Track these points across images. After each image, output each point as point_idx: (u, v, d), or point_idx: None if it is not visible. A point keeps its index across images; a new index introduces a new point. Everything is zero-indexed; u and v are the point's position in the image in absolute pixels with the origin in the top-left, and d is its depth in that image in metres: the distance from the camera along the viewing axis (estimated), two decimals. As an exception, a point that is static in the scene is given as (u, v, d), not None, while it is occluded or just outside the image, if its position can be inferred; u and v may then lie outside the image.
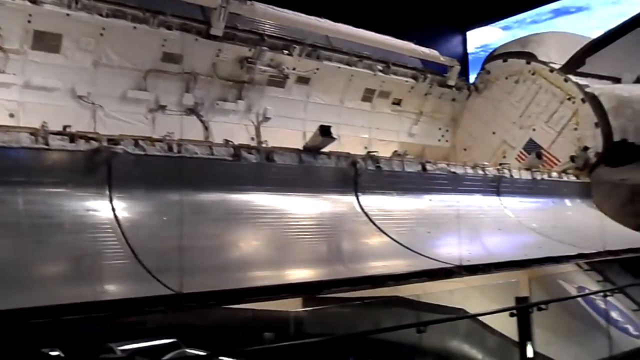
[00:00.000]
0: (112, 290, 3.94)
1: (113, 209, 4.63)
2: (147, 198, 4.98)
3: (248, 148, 5.83)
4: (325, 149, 6.32)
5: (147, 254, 4.32)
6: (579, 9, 17.85)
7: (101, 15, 7.24)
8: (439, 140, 11.28)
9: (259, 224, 5.46)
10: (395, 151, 7.37)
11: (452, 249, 5.71)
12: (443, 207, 6.88)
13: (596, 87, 9.57)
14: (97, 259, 4.17)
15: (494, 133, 10.68)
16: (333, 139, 6.02)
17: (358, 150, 7.47)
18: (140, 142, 5.06)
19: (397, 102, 10.48)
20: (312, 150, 6.15)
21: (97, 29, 7.26)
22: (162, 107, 8.08)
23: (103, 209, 4.60)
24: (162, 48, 7.87)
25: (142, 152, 5.01)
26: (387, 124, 10.40)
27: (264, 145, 6.00)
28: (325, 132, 5.98)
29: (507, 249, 6.69)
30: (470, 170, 7.60)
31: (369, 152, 6.73)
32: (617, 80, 10.15)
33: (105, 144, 4.79)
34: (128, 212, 4.75)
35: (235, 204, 5.51)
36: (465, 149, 11.09)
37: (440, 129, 11.28)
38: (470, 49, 22.36)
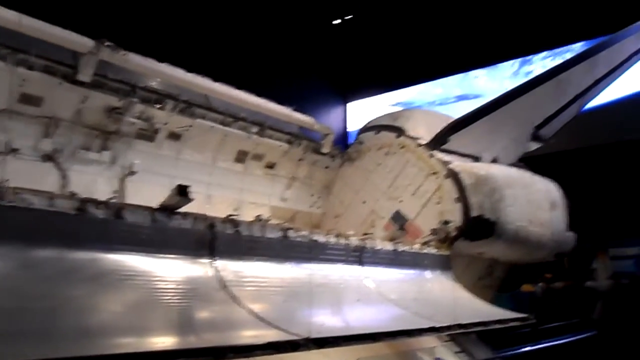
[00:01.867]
0: None
1: None
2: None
3: (96, 202, 5.42)
4: (186, 209, 6.04)
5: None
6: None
7: None
8: (311, 206, 11.32)
9: (97, 286, 5.01)
10: (258, 216, 7.22)
11: (306, 320, 5.56)
12: (303, 276, 6.73)
13: (458, 164, 10.11)
14: None
15: (364, 202, 10.90)
16: (189, 199, 5.75)
17: (228, 212, 7.24)
18: (-39, 188, 4.53)
19: (271, 166, 10.44)
20: (167, 209, 5.84)
21: None
22: (14, 151, 7.44)
23: None
24: (20, 88, 7.33)
25: (-39, 199, 4.48)
26: (259, 187, 10.29)
27: (114, 200, 5.63)
28: (182, 191, 5.70)
29: (364, 321, 6.63)
30: (333, 239, 7.56)
31: (228, 215, 6.51)
32: (476, 159, 10.82)
33: None
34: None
35: (73, 262, 5.04)
36: (336, 217, 11.20)
37: (312, 195, 11.34)
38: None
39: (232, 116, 9.54)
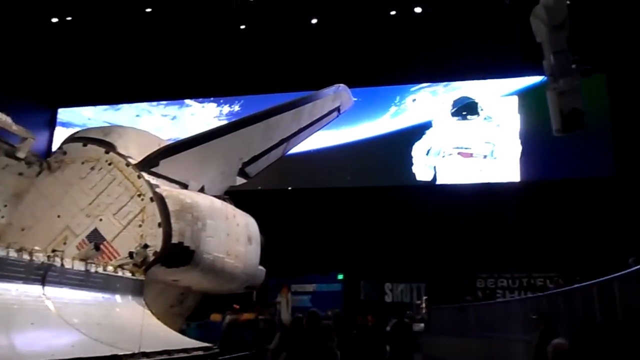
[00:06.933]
0: None
1: None
2: None
3: None
4: None
5: None
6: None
7: None
8: (-6, 214, 9.93)
9: None
10: None
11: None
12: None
13: (165, 188, 10.04)
14: None
15: (59, 216, 9.96)
16: None
17: None
18: None
19: (-54, 164, 8.91)
20: None
21: None
22: None
23: None
24: None
25: None
26: None
27: None
28: None
29: (34, 347, 6.00)
30: (13, 254, 6.75)
31: None
32: (185, 186, 10.91)
33: None
34: None
35: None
36: (23, 229, 10.02)
37: (-3, 202, 9.98)
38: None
39: None
